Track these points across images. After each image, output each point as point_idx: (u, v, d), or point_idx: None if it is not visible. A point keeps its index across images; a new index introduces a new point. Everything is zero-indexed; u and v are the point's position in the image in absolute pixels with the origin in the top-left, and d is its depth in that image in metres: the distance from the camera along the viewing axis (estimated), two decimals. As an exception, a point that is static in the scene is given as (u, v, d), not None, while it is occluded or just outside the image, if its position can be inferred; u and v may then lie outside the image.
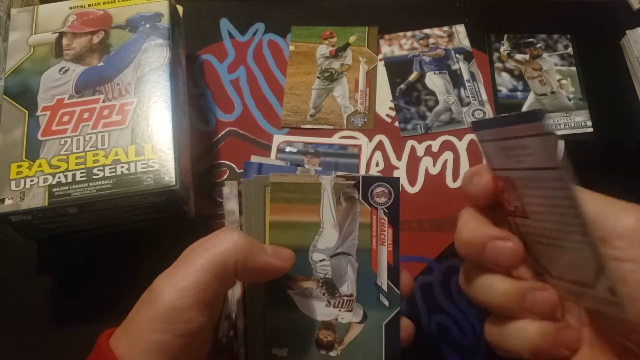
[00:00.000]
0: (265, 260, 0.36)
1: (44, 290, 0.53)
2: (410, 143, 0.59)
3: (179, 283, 0.33)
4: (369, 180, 0.41)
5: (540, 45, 0.64)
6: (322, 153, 0.58)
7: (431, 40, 0.65)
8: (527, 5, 0.67)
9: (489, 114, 0.60)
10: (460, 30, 0.66)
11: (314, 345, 0.39)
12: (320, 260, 0.40)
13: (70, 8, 0.56)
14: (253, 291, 0.39)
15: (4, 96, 0.52)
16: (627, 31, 0.63)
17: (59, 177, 0.48)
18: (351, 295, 0.40)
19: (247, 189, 0.40)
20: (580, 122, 0.60)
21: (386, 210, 0.41)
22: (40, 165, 0.49)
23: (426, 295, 0.52)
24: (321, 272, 0.40)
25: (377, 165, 0.58)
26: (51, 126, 0.50)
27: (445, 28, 0.66)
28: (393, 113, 0.61)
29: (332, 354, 0.39)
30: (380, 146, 0.59)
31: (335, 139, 0.60)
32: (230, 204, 0.40)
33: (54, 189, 0.48)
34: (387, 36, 0.66)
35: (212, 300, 0.34)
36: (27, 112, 0.51)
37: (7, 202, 0.47)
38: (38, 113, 0.51)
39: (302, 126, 0.60)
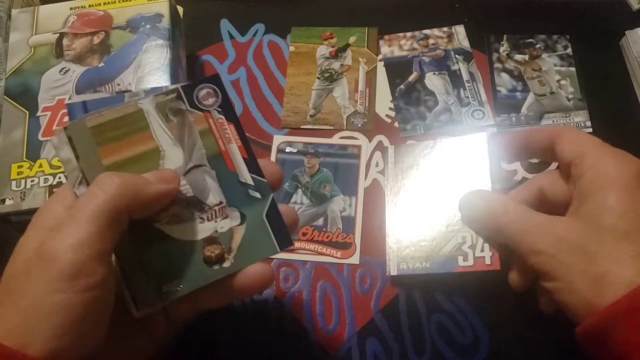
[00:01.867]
0: (155, 190, 0.36)
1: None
2: (409, 143, 0.59)
3: (72, 238, 0.32)
4: (190, 87, 0.39)
5: (540, 46, 0.64)
6: (322, 153, 0.59)
7: (431, 41, 0.65)
8: (526, 6, 0.67)
9: (489, 114, 0.60)
10: (459, 30, 0.66)
11: (204, 264, 0.38)
12: None
13: (71, 9, 0.57)
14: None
15: (5, 97, 0.52)
16: (626, 32, 0.63)
17: (60, 178, 0.48)
18: (221, 203, 0.39)
19: (76, 134, 0.38)
20: (579, 122, 0.60)
21: (219, 110, 0.40)
22: (40, 166, 0.49)
23: (426, 295, 0.52)
24: (181, 194, 0.38)
25: (377, 165, 0.58)
26: (52, 126, 0.51)
27: (445, 29, 0.66)
28: (393, 113, 0.61)
29: (226, 264, 0.38)
30: (380, 146, 0.59)
31: (335, 139, 0.60)
32: (64, 153, 0.38)
33: (54, 189, 0.48)
34: (387, 37, 0.66)
35: (110, 248, 0.33)
36: (27, 112, 0.51)
37: (8, 202, 0.47)
38: (39, 113, 0.51)
39: (302, 126, 0.60)
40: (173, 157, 0.39)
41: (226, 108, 0.40)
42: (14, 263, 0.34)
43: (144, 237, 0.38)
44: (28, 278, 0.32)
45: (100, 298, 0.33)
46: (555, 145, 0.43)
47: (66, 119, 0.51)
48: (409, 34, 0.66)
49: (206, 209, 0.39)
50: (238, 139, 0.39)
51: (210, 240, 0.38)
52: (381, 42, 0.66)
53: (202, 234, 0.38)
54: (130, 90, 0.42)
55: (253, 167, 0.39)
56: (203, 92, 0.40)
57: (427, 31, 0.66)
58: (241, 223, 0.39)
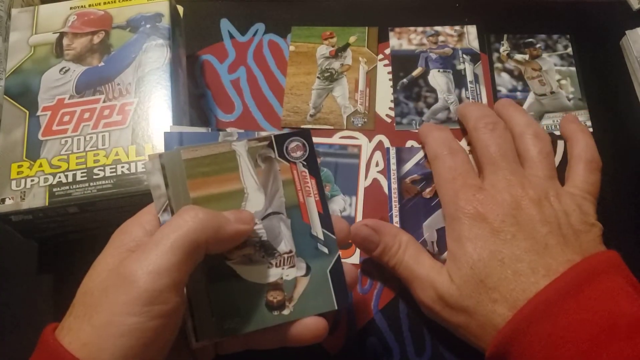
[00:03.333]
0: (233, 229, 0.37)
1: (44, 290, 0.53)
2: (410, 143, 0.59)
3: (152, 265, 0.33)
4: (282, 138, 0.42)
5: (540, 46, 0.64)
6: (322, 153, 0.59)
7: (440, 38, 0.66)
8: (526, 6, 0.67)
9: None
10: (471, 31, 0.66)
11: (265, 308, 0.40)
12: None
13: (71, 8, 0.57)
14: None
15: (5, 96, 0.52)
16: (626, 31, 0.63)
17: (60, 177, 0.48)
18: (290, 252, 0.41)
19: (169, 163, 0.40)
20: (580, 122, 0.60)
21: (304, 163, 0.42)
22: (40, 165, 0.49)
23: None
24: (255, 236, 0.40)
25: (377, 165, 0.58)
26: (52, 126, 0.50)
27: (457, 27, 0.66)
28: (393, 113, 0.61)
29: (285, 312, 0.40)
30: (380, 146, 0.59)
31: (335, 139, 0.60)
32: (155, 179, 0.40)
33: (54, 189, 0.48)
34: (397, 29, 0.66)
35: (185, 279, 0.35)
36: (27, 112, 0.51)
37: (8, 202, 0.47)
38: (38, 113, 0.51)
39: (302, 126, 0.60)
40: (255, 201, 0.41)
41: (311, 162, 0.42)
42: (92, 278, 0.36)
43: (215, 272, 0.39)
44: (106, 296, 0.33)
45: (169, 325, 0.34)
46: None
47: (66, 118, 0.51)
48: (419, 29, 0.66)
49: (276, 255, 0.40)
50: (317, 193, 0.42)
51: (275, 286, 0.40)
52: (391, 33, 0.66)
53: (268, 279, 0.40)
54: (225, 130, 0.44)
55: (326, 223, 0.41)
56: (293, 145, 0.42)
57: (438, 28, 0.66)
58: (306, 274, 0.41)
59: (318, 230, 0.41)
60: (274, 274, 0.40)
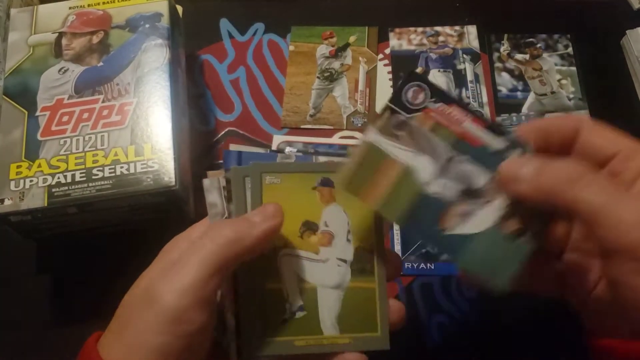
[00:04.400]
0: (259, 231, 0.36)
1: (44, 290, 0.53)
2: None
3: (178, 284, 0.33)
4: (396, 98, 0.38)
5: (540, 45, 0.64)
6: (322, 153, 0.58)
7: (441, 38, 0.65)
8: (527, 5, 0.67)
9: (487, 115, 0.60)
10: (471, 31, 0.66)
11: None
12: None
13: (70, 8, 0.56)
14: (243, 282, 0.39)
15: (4, 96, 0.52)
16: (627, 31, 0.63)
17: (59, 178, 0.48)
18: (490, 180, 0.37)
19: (236, 177, 0.39)
20: (580, 122, 0.59)
21: (433, 100, 0.38)
22: (39, 166, 0.49)
23: (426, 295, 0.52)
24: (453, 191, 0.37)
25: (377, 165, 0.58)
26: (51, 126, 0.50)
27: (457, 27, 0.66)
28: (393, 113, 0.61)
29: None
30: (380, 146, 0.59)
31: (335, 139, 0.60)
32: (212, 197, 0.40)
33: (53, 189, 0.48)
34: (397, 29, 0.66)
35: (211, 296, 0.34)
36: (26, 112, 0.51)
37: (7, 202, 0.47)
38: (37, 113, 0.51)
39: (302, 126, 0.60)
40: (423, 166, 0.37)
41: (439, 95, 0.38)
42: (131, 293, 0.36)
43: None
44: (136, 314, 0.33)
45: (197, 344, 0.34)
46: (583, 137, 0.37)
47: (65, 118, 0.51)
48: (419, 29, 0.66)
49: (479, 192, 0.37)
50: (467, 114, 0.37)
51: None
52: (391, 34, 0.66)
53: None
54: (283, 152, 0.43)
55: (497, 129, 0.37)
56: (410, 94, 0.39)
57: (438, 28, 0.66)
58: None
59: (494, 142, 0.37)
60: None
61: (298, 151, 0.58)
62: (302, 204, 0.39)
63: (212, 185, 0.40)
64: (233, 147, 0.44)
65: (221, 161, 0.59)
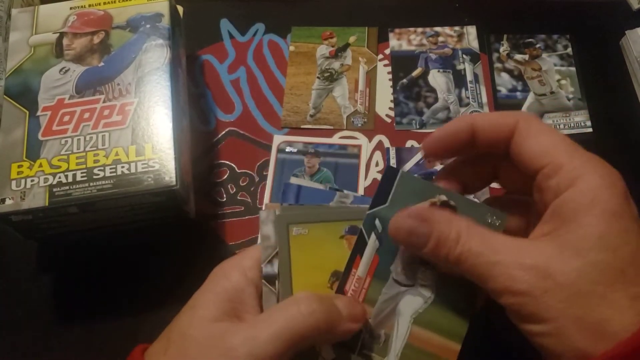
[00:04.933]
0: (344, 329, 0.35)
1: (45, 290, 0.53)
2: (410, 143, 0.59)
3: (255, 350, 0.32)
4: None
5: (540, 46, 0.64)
6: (322, 153, 0.59)
7: (440, 39, 0.66)
8: (526, 6, 0.67)
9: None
10: (471, 31, 0.66)
11: None
12: None
13: (71, 8, 0.57)
14: None
15: (5, 96, 0.52)
16: (626, 31, 0.63)
17: (60, 177, 0.48)
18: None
19: (277, 222, 0.39)
20: (579, 122, 0.60)
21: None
22: (40, 165, 0.49)
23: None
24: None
25: (376, 165, 0.58)
26: (52, 126, 0.50)
27: (457, 28, 0.66)
28: (393, 113, 0.61)
29: None
30: (380, 146, 0.59)
31: (335, 139, 0.60)
32: (266, 229, 0.39)
33: (54, 189, 0.48)
34: (397, 30, 0.66)
35: None
36: (27, 112, 0.51)
37: (8, 202, 0.47)
38: (38, 113, 0.51)
39: (302, 126, 0.60)
40: None
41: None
42: (194, 325, 0.35)
43: None
44: (203, 348, 0.33)
45: None
46: (515, 140, 0.35)
47: (66, 118, 0.51)
48: (419, 30, 0.66)
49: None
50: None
51: None
52: (391, 34, 0.66)
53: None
54: (341, 190, 0.42)
55: None
56: None
57: (438, 28, 0.66)
58: None
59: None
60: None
61: (298, 151, 0.59)
62: (330, 253, 0.38)
63: (268, 218, 0.39)
64: (294, 180, 0.43)
65: (223, 161, 0.59)
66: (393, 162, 0.58)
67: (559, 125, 0.59)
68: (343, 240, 0.39)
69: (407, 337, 0.37)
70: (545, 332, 0.31)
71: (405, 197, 0.37)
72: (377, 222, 0.37)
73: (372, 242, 0.38)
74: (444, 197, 0.37)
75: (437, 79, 0.63)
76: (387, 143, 0.59)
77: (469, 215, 0.36)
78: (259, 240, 0.40)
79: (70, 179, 0.48)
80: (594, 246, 0.31)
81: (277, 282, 0.38)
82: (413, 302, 0.38)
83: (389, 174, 0.38)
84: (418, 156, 0.58)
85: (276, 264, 0.38)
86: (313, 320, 0.33)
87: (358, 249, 0.38)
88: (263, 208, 0.39)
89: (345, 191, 0.42)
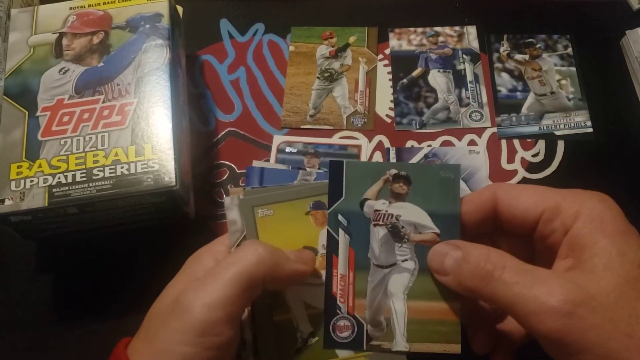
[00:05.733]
0: (291, 268, 0.37)
1: (44, 290, 0.53)
2: (410, 143, 0.59)
3: (208, 297, 0.33)
4: None
5: (540, 46, 0.64)
6: (322, 153, 0.58)
7: (440, 39, 0.66)
8: (526, 6, 0.67)
9: (487, 116, 0.60)
10: (471, 31, 0.66)
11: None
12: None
13: (70, 8, 0.56)
14: (259, 299, 0.39)
15: (4, 96, 0.52)
16: (626, 31, 0.63)
17: (59, 178, 0.48)
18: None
19: (243, 206, 0.40)
20: (580, 122, 0.60)
21: None
22: (40, 166, 0.49)
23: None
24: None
25: (376, 165, 0.58)
26: (51, 126, 0.50)
27: (457, 28, 0.66)
28: (393, 113, 0.61)
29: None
30: (380, 146, 0.59)
31: (335, 139, 0.60)
32: (232, 214, 0.40)
33: (54, 190, 0.48)
34: (397, 30, 0.66)
35: (240, 313, 0.35)
36: (27, 112, 0.51)
37: (7, 202, 0.47)
38: (38, 113, 0.51)
39: (302, 126, 0.60)
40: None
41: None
42: (160, 303, 0.36)
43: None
44: (164, 323, 0.34)
45: (222, 358, 0.34)
46: (501, 208, 0.37)
47: (66, 118, 0.51)
48: (419, 30, 0.66)
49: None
50: None
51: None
52: (391, 34, 0.66)
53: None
54: (304, 169, 0.43)
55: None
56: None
57: (438, 28, 0.66)
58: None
59: None
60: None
61: (298, 152, 0.59)
62: (297, 231, 0.39)
63: (232, 203, 0.40)
64: (256, 163, 0.43)
65: (222, 162, 0.59)
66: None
67: (560, 125, 0.59)
68: (309, 216, 0.40)
69: (407, 314, 0.38)
70: None
71: (358, 184, 0.39)
72: (339, 217, 0.38)
73: (342, 237, 0.38)
74: (394, 171, 0.39)
75: (437, 79, 0.63)
76: (387, 143, 0.59)
77: (422, 178, 0.38)
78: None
79: (69, 180, 0.48)
80: (620, 263, 0.32)
81: None
82: (400, 279, 0.38)
83: (335, 167, 0.39)
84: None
85: None
86: (258, 258, 0.35)
87: (331, 249, 0.38)
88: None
89: (308, 169, 0.43)
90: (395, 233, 0.38)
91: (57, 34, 0.55)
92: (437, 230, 0.38)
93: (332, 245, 0.38)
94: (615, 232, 0.33)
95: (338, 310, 0.38)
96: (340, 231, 0.38)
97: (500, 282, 0.33)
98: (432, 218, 0.38)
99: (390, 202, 0.39)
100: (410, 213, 0.39)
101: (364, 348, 0.38)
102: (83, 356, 0.50)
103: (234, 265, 0.35)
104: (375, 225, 0.39)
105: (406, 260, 0.38)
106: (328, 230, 0.38)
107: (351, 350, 0.39)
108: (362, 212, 0.39)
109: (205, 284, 0.34)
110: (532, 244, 0.38)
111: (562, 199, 0.35)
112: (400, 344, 0.37)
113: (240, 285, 0.34)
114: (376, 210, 0.39)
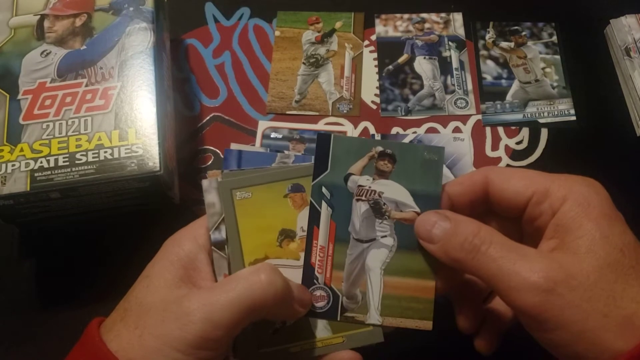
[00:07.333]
0: (292, 309, 0.37)
1: (27, 275, 0.53)
2: (395, 130, 0.59)
3: (215, 315, 0.33)
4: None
5: (525, 33, 0.65)
6: (308, 139, 0.58)
7: (427, 25, 0.65)
8: (512, -7, 0.67)
9: (472, 103, 0.60)
10: (457, 18, 0.66)
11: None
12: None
13: (52, -10, 0.56)
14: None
15: (-16, 79, 0.51)
16: (611, 20, 0.63)
17: (41, 162, 0.48)
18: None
19: (221, 189, 0.40)
20: (563, 110, 0.60)
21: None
22: (22, 150, 0.48)
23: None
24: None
25: (362, 151, 0.58)
26: (33, 110, 0.50)
27: (443, 14, 0.66)
28: (378, 100, 0.61)
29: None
30: (365, 133, 0.59)
31: (321, 125, 0.60)
32: (210, 197, 0.40)
33: (36, 174, 0.47)
34: (383, 16, 0.66)
35: (235, 335, 0.35)
36: (8, 95, 0.50)
37: (-12, 186, 0.47)
38: (19, 97, 0.50)
39: (287, 112, 0.60)
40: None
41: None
42: (151, 292, 0.36)
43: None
44: (162, 323, 0.34)
45: None
46: (492, 190, 0.38)
47: (48, 102, 0.50)
48: (405, 16, 0.66)
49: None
50: None
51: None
52: (377, 20, 0.66)
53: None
54: (282, 152, 0.43)
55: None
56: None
57: (424, 15, 0.66)
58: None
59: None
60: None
61: (283, 137, 0.58)
62: (276, 213, 0.40)
63: (211, 186, 0.40)
64: (234, 146, 0.43)
65: (207, 147, 0.58)
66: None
67: (543, 113, 0.60)
68: (287, 199, 0.40)
69: (382, 289, 0.39)
70: (568, 337, 0.31)
71: (344, 159, 0.40)
72: (323, 189, 0.39)
73: (324, 210, 0.39)
74: (380, 148, 0.40)
75: (423, 65, 0.63)
76: (372, 130, 0.59)
77: (407, 158, 0.39)
78: None
79: (52, 164, 0.48)
80: (603, 246, 0.33)
81: (226, 247, 0.39)
82: (378, 254, 0.39)
83: (322, 141, 0.40)
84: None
85: (223, 229, 0.39)
86: (273, 290, 0.35)
87: (313, 221, 0.39)
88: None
89: (286, 151, 0.44)
90: (377, 209, 0.39)
91: (39, 16, 0.54)
92: (418, 210, 0.39)
93: (313, 216, 0.39)
94: (600, 216, 0.34)
95: (315, 281, 0.39)
96: (323, 203, 0.39)
97: (486, 255, 0.34)
98: (413, 197, 0.39)
99: (374, 179, 0.40)
100: (393, 191, 0.39)
101: (338, 319, 0.39)
102: (66, 341, 0.49)
103: (248, 290, 0.34)
104: (357, 200, 0.40)
105: (385, 236, 0.39)
106: (311, 202, 0.39)
107: (325, 320, 0.39)
108: (346, 186, 0.40)
109: (214, 299, 0.34)
110: (521, 226, 0.39)
111: (551, 183, 0.36)
112: (374, 317, 0.39)
113: (247, 310, 0.34)
114: (360, 186, 0.40)
